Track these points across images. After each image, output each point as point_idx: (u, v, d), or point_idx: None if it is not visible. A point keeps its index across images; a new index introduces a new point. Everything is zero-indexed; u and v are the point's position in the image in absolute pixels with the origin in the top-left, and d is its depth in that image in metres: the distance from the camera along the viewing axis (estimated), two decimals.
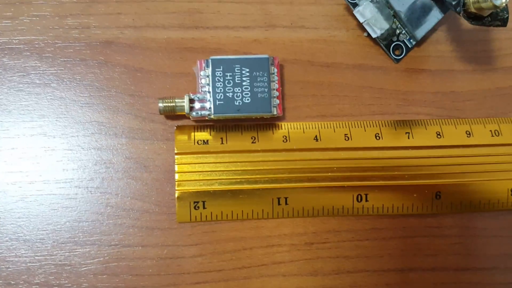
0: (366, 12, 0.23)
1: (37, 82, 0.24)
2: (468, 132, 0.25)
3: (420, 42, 0.26)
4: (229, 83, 0.23)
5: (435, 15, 0.25)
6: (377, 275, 0.24)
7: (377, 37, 0.24)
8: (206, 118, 0.23)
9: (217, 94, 0.23)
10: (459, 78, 0.26)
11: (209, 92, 0.23)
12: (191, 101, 0.23)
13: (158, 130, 0.24)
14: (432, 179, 0.24)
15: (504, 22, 0.23)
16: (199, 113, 0.23)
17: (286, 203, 0.24)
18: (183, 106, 0.23)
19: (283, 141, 0.24)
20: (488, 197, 0.25)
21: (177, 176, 0.23)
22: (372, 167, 0.24)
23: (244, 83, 0.23)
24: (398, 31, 0.25)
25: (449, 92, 0.26)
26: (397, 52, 0.26)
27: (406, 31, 0.25)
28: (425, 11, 0.25)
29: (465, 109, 0.26)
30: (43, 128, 0.24)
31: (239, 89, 0.23)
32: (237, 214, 0.23)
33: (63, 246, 0.23)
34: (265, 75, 0.23)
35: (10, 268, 0.23)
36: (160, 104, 0.23)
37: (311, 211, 0.24)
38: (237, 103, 0.23)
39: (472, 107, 0.26)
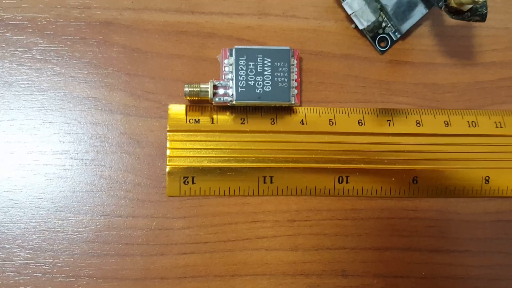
0: (354, 4, 0.25)
1: (38, 57, 0.25)
2: (446, 122, 0.26)
3: (404, 36, 0.27)
4: (251, 71, 0.25)
5: (420, 11, 0.26)
6: (354, 252, 0.25)
7: (364, 28, 0.25)
8: (228, 104, 0.25)
9: (240, 82, 0.24)
10: (440, 71, 0.27)
11: (232, 79, 0.24)
12: (215, 87, 0.24)
13: (152, 108, 0.25)
14: (410, 164, 0.26)
15: (482, 18, 0.24)
16: (222, 99, 0.24)
17: (271, 182, 0.25)
18: (207, 91, 0.24)
19: (271, 123, 0.25)
20: (463, 184, 0.26)
21: (168, 152, 0.25)
22: (354, 151, 0.26)
23: (265, 73, 0.25)
24: (384, 24, 0.27)
25: (430, 84, 0.27)
26: (382, 44, 0.27)
27: (391, 24, 0.27)
28: (410, 6, 0.26)
29: (444, 100, 0.27)
30: (41, 102, 0.25)
31: (260, 78, 0.25)
32: (224, 190, 0.25)
33: (57, 214, 0.24)
34: (286, 65, 0.25)
35: (5, 232, 0.24)
36: (186, 89, 0.24)
37: (294, 190, 0.25)
38: (258, 91, 0.24)
39: (451, 99, 0.27)
